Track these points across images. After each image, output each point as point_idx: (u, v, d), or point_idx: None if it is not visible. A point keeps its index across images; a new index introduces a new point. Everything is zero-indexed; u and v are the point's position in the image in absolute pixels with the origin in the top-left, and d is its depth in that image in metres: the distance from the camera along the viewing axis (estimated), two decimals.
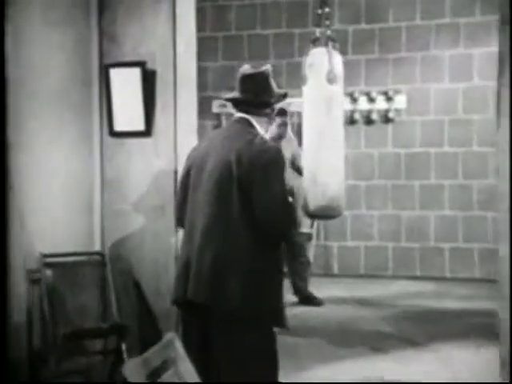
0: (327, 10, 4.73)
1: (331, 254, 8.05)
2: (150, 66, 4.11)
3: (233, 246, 2.70)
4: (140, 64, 4.06)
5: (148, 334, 4.14)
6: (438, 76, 7.64)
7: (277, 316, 2.82)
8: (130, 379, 1.71)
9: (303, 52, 7.85)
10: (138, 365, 1.80)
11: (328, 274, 7.94)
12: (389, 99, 7.74)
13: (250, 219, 2.68)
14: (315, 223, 7.84)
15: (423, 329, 5.55)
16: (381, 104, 7.76)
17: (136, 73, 4.06)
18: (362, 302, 6.58)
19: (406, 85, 7.72)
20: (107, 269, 4.14)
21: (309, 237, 7.34)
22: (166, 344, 1.96)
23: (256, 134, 2.82)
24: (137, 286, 4.17)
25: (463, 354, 4.77)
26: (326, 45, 4.46)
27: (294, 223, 3.01)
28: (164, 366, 1.89)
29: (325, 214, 4.26)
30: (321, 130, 4.29)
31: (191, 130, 4.29)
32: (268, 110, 2.92)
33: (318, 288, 6.59)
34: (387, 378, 4.18)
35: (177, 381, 1.90)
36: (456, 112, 7.63)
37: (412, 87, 7.72)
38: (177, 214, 3.04)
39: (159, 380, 1.83)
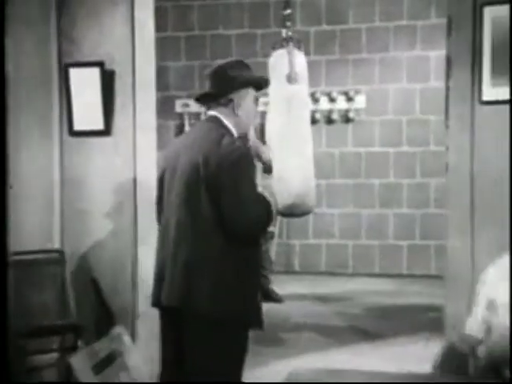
0: (289, 11, 4.83)
1: (293, 252, 8.16)
2: (108, 66, 4.17)
3: (203, 248, 2.70)
4: (99, 64, 4.11)
5: (106, 331, 4.19)
6: (397, 77, 7.79)
7: (249, 317, 2.80)
8: (77, 369, 1.77)
9: (266, 52, 7.96)
10: (85, 356, 1.86)
11: (290, 271, 8.05)
12: (349, 99, 7.86)
13: (219, 220, 2.68)
14: (277, 222, 7.95)
15: (379, 324, 5.70)
16: (341, 104, 7.89)
17: (95, 73, 4.11)
18: (322, 299, 6.70)
19: (365, 85, 7.86)
20: (66, 266, 4.18)
21: (271, 235, 7.45)
22: (113, 337, 2.02)
23: (224, 134, 2.79)
24: (95, 283, 4.22)
25: (414, 348, 4.92)
26: (287, 45, 4.55)
27: (263, 223, 2.82)
28: (110, 358, 1.95)
29: (292, 211, 4.34)
30: (283, 130, 4.37)
31: (150, 129, 4.35)
32: (229, 101, 2.84)
33: (280, 285, 6.69)
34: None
35: (122, 372, 1.97)
36: (414, 112, 7.80)
37: (371, 88, 7.86)
38: (156, 215, 3.08)
39: (105, 371, 1.90)
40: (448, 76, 3.70)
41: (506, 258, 2.14)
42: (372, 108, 7.85)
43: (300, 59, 4.52)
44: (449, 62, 3.69)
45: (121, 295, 4.18)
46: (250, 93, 2.91)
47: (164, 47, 8.17)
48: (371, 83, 7.86)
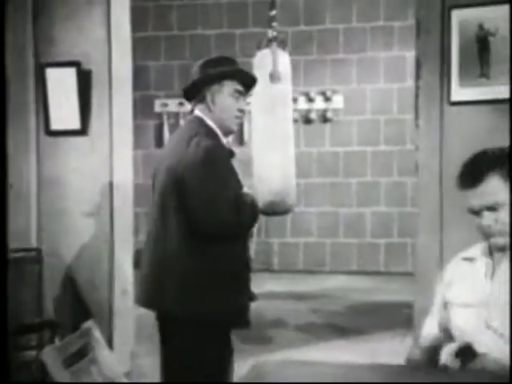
0: (274, 12, 4.93)
1: (272, 251, 8.23)
2: (85, 66, 4.21)
3: (172, 248, 2.70)
4: (75, 64, 4.15)
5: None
6: (374, 77, 7.89)
7: (223, 317, 2.72)
8: (47, 364, 1.81)
9: (245, 52, 8.05)
10: (56, 351, 1.90)
11: (269, 269, 8.12)
12: (327, 99, 7.95)
13: (187, 220, 2.66)
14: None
15: (356, 320, 5.78)
16: (319, 104, 7.97)
17: (71, 72, 4.15)
18: (299, 297, 6.77)
19: (343, 85, 7.94)
20: (43, 265, 4.22)
21: (250, 234, 7.50)
22: (83, 332, 2.07)
23: (197, 133, 2.74)
24: (72, 280, 4.27)
25: (390, 343, 5.00)
26: (271, 45, 4.63)
27: (232, 223, 2.68)
28: (81, 353, 2.00)
29: (272, 210, 4.41)
30: (265, 129, 4.45)
31: (127, 128, 4.40)
32: (203, 97, 2.78)
33: (258, 283, 6.74)
34: None
35: (93, 366, 2.02)
36: (391, 112, 7.90)
37: (349, 88, 7.95)
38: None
39: (76, 365, 1.95)
40: (418, 77, 3.77)
41: (459, 258, 2.21)
42: (350, 108, 7.94)
43: (283, 59, 4.60)
44: (418, 63, 3.76)
45: (98, 291, 4.23)
46: (226, 87, 2.76)
47: (144, 47, 8.22)
48: (349, 83, 7.95)
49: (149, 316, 2.94)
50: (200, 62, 2.82)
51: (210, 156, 2.66)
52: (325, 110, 7.99)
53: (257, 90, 4.67)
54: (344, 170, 8.03)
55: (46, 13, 4.26)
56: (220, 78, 2.77)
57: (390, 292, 6.92)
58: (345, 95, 7.94)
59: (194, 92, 2.80)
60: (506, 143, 3.53)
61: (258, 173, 4.38)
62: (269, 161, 4.42)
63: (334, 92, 7.94)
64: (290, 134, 4.65)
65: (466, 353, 1.93)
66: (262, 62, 4.69)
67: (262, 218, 8.12)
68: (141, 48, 8.19)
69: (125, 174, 4.39)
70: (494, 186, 1.99)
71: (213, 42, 8.16)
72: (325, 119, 8.00)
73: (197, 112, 2.81)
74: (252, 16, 8.04)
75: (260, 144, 4.47)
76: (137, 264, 7.55)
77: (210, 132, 2.76)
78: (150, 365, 4.48)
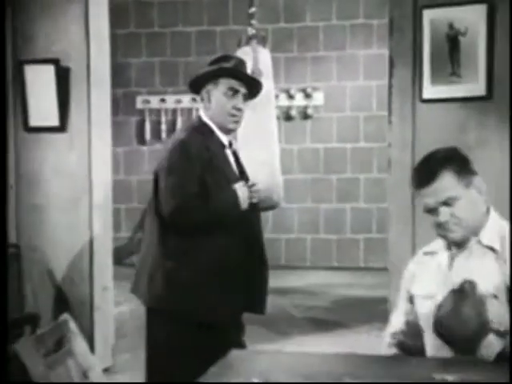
0: (254, 9, 4.99)
1: None
2: (64, 63, 4.24)
3: (148, 240, 2.78)
4: (53, 61, 4.18)
5: None
6: (354, 74, 7.96)
7: (195, 312, 2.71)
8: (22, 355, 1.86)
9: (225, 49, 8.09)
10: (31, 342, 1.95)
11: None
12: (307, 96, 8.01)
13: (158, 213, 2.72)
14: None
15: (335, 314, 5.87)
16: (300, 101, 8.04)
17: (50, 70, 4.18)
18: (279, 292, 6.84)
19: (323, 82, 8.01)
20: (22, 260, 4.26)
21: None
22: (59, 324, 2.12)
23: (186, 129, 2.82)
24: (52, 275, 4.31)
25: (367, 336, 5.09)
26: (252, 43, 4.69)
27: (187, 215, 2.67)
28: (57, 344, 2.06)
29: (265, 205, 4.48)
30: (249, 125, 4.50)
31: (105, 125, 4.44)
32: (202, 96, 2.84)
33: None
34: None
35: (69, 358, 2.07)
36: (370, 109, 7.98)
37: (329, 85, 8.02)
38: None
39: (52, 356, 2.00)
40: (391, 75, 3.85)
41: (421, 253, 2.29)
42: (330, 105, 8.01)
43: (264, 56, 4.66)
44: (391, 61, 3.84)
45: (78, 288, 4.28)
46: (221, 85, 2.78)
47: (125, 44, 8.25)
48: (329, 80, 8.02)
49: (129, 312, 2.98)
50: (211, 59, 2.88)
51: (180, 148, 2.69)
52: (305, 107, 8.05)
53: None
54: (324, 166, 8.10)
55: (24, 10, 4.29)
56: (213, 76, 2.78)
57: (368, 287, 7.01)
58: (325, 92, 8.01)
59: (197, 90, 2.87)
60: (475, 139, 3.64)
61: (249, 169, 4.45)
62: (254, 158, 4.48)
63: (315, 89, 8.01)
64: (274, 131, 4.71)
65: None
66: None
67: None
68: (122, 45, 8.24)
69: (104, 171, 4.43)
70: (446, 182, 2.08)
71: (193, 39, 8.20)
72: (305, 116, 8.07)
73: (200, 110, 2.89)
74: (232, 13, 8.10)
75: (245, 141, 4.53)
76: (118, 260, 7.60)
77: (205, 129, 2.79)
78: (132, 360, 4.56)
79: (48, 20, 4.27)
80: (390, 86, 3.86)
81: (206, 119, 2.82)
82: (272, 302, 6.35)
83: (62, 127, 4.26)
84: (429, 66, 3.69)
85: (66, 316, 2.15)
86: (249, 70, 4.72)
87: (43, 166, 4.33)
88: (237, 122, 2.84)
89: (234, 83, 2.79)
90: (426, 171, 2.12)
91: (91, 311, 4.28)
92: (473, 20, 3.59)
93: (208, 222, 2.69)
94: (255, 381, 1.56)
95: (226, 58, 2.87)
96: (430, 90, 3.71)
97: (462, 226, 2.08)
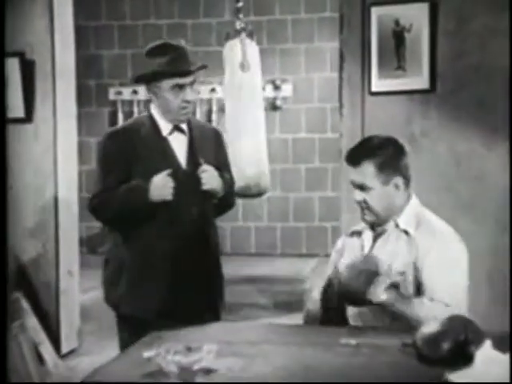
0: (241, 3, 5.17)
1: (224, 235, 8.47)
2: (28, 56, 4.39)
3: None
4: (18, 54, 4.32)
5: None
6: (321, 66, 8.14)
7: (123, 306, 2.71)
8: None
9: (196, 41, 8.23)
10: None
11: (221, 253, 8.34)
12: (276, 88, 8.18)
13: None
14: None
15: (296, 298, 6.06)
16: (269, 92, 8.20)
17: (15, 63, 4.32)
18: (248, 279, 7.03)
19: (291, 74, 8.19)
20: None
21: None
22: (11, 301, 2.29)
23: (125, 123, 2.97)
24: (19, 264, 4.46)
25: None
26: (240, 36, 4.86)
27: (98, 208, 2.68)
28: (10, 320, 2.23)
29: (246, 193, 4.64)
30: (236, 115, 4.67)
31: (70, 116, 4.60)
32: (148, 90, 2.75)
33: None
34: None
35: (21, 334, 2.24)
36: (336, 101, 8.13)
37: (297, 76, 8.19)
38: None
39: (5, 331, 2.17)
40: (341, 68, 4.03)
41: (350, 231, 2.50)
42: (298, 96, 8.19)
43: (252, 49, 4.81)
44: (341, 55, 4.02)
45: (43, 272, 4.44)
46: (165, 83, 2.66)
47: (97, 36, 8.37)
48: (297, 72, 8.19)
49: (97, 298, 3.10)
50: (146, 49, 2.72)
51: (104, 140, 2.73)
52: (274, 98, 8.21)
53: (227, 78, 4.89)
54: (293, 156, 8.29)
55: None
56: (153, 78, 2.67)
57: None
58: (293, 84, 8.18)
59: (139, 83, 2.78)
60: (419, 130, 3.83)
61: (232, 158, 4.61)
62: (241, 146, 4.64)
63: (283, 81, 8.18)
64: (260, 120, 4.86)
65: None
66: (232, 52, 4.91)
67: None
68: (94, 37, 8.36)
69: (69, 161, 4.59)
70: (366, 171, 2.29)
71: (165, 32, 8.33)
72: (274, 107, 8.23)
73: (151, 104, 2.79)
74: (203, 7, 8.25)
75: (233, 130, 4.69)
76: (92, 249, 7.70)
77: (146, 119, 2.74)
78: (97, 342, 4.74)
79: (13, 13, 4.40)
80: (341, 80, 4.04)
81: (153, 111, 2.76)
82: (238, 288, 6.61)
83: (28, 118, 4.40)
84: (376, 60, 3.87)
85: (17, 294, 2.32)
86: (237, 63, 4.86)
87: (10, 155, 4.47)
88: (188, 113, 2.74)
89: (178, 80, 2.66)
90: (354, 155, 2.34)
91: (57, 295, 4.45)
92: (417, 17, 3.78)
93: (120, 214, 2.65)
94: (180, 348, 1.74)
95: (161, 48, 2.69)
96: (377, 83, 3.89)
97: (372, 212, 2.29)
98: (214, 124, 8.13)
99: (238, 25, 5.02)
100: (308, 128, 8.23)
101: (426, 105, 3.83)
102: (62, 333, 4.44)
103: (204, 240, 2.80)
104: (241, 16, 5.11)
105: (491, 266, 3.69)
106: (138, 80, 2.77)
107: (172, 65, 2.64)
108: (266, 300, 6.09)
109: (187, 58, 2.70)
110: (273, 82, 8.17)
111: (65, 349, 4.45)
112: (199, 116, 8.32)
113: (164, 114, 2.71)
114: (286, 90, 8.19)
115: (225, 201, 2.87)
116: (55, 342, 4.27)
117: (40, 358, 2.31)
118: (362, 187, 2.30)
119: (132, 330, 2.56)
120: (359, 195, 2.31)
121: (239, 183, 4.53)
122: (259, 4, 8.19)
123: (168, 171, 2.63)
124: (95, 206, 2.68)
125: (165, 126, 2.74)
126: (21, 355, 2.22)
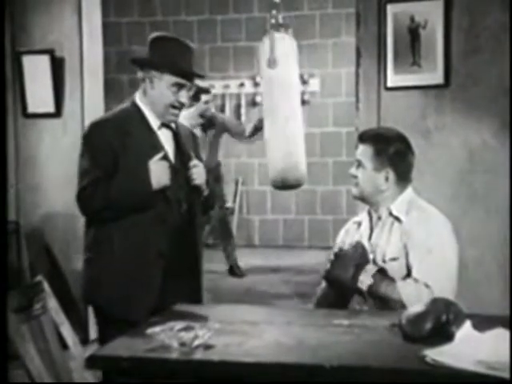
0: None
1: (252, 227, 8.62)
2: (58, 53, 4.58)
3: None
4: (48, 52, 4.52)
5: (58, 296, 4.64)
6: (348, 61, 8.19)
7: (101, 304, 2.69)
8: None
9: (226, 38, 8.38)
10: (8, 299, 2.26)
11: (250, 245, 8.52)
12: (304, 82, 8.27)
13: None
14: (237, 198, 8.43)
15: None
16: None
17: (45, 60, 4.52)
18: (275, 270, 7.17)
19: (319, 69, 8.28)
20: (21, 236, 4.62)
21: (231, 211, 7.92)
22: (33, 284, 2.45)
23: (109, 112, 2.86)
24: (49, 251, 4.67)
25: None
26: (270, 32, 4.97)
27: (82, 201, 2.66)
28: (31, 302, 2.38)
29: (277, 185, 4.77)
30: (266, 110, 4.80)
31: (98, 111, 4.77)
32: (142, 80, 2.69)
33: (240, 258, 7.14)
34: None
35: (43, 315, 2.40)
36: None
37: (325, 71, 8.28)
38: None
39: (25, 312, 2.33)
40: (358, 64, 4.13)
41: (351, 221, 2.63)
42: (325, 91, 8.28)
43: (282, 44, 4.89)
44: (358, 52, 4.11)
45: (73, 262, 4.63)
46: (166, 78, 2.61)
47: (129, 32, 8.58)
48: (325, 67, 8.28)
49: None
50: (153, 35, 2.69)
51: (89, 132, 2.69)
52: (302, 93, 8.29)
53: (263, 74, 5.00)
54: (321, 149, 8.39)
55: (20, 1, 4.62)
56: (158, 67, 2.60)
57: None
58: (321, 78, 8.27)
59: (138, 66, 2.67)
60: (433, 124, 3.92)
61: (268, 150, 4.73)
62: (270, 140, 4.75)
63: (311, 75, 8.28)
64: (291, 114, 4.93)
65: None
66: (263, 48, 5.02)
67: (243, 196, 8.53)
68: (126, 33, 8.57)
69: None
70: (365, 150, 2.53)
71: (195, 28, 8.50)
72: (302, 101, 8.28)
73: (136, 94, 2.71)
74: (233, 3, 8.40)
75: (268, 124, 4.81)
76: None
77: (133, 111, 2.67)
78: None
79: (42, 11, 4.59)
80: (357, 75, 4.13)
81: (139, 102, 2.68)
82: (265, 279, 6.75)
83: (57, 113, 4.60)
84: (392, 56, 3.97)
85: (39, 277, 2.47)
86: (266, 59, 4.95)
87: (40, 148, 4.68)
88: (176, 115, 2.69)
89: (181, 79, 2.62)
90: (365, 133, 2.61)
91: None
92: (431, 14, 3.86)
93: (113, 206, 2.56)
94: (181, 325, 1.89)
95: (174, 42, 2.66)
96: (393, 79, 3.99)
97: (358, 188, 2.44)
98: (244, 118, 8.28)
99: (273, 20, 5.09)
100: (335, 122, 8.32)
101: (441, 100, 3.91)
102: (90, 322, 4.63)
103: (192, 236, 2.72)
104: (274, 12, 5.17)
105: (503, 258, 3.77)
106: (140, 62, 2.67)
107: (184, 63, 2.62)
108: (291, 291, 6.22)
109: (194, 61, 2.69)
110: (301, 77, 8.25)
111: (93, 335, 4.64)
112: (228, 111, 8.48)
113: (152, 106, 2.64)
114: (314, 84, 8.28)
115: (208, 200, 2.81)
116: (84, 329, 4.47)
117: (62, 342, 2.45)
118: (358, 163, 2.45)
119: (115, 327, 2.37)
120: (354, 169, 2.45)
121: (270, 176, 4.65)
122: (287, 0, 8.29)
123: (160, 155, 2.58)
124: (86, 197, 2.61)
125: (153, 120, 2.68)
126: (43, 338, 2.37)
